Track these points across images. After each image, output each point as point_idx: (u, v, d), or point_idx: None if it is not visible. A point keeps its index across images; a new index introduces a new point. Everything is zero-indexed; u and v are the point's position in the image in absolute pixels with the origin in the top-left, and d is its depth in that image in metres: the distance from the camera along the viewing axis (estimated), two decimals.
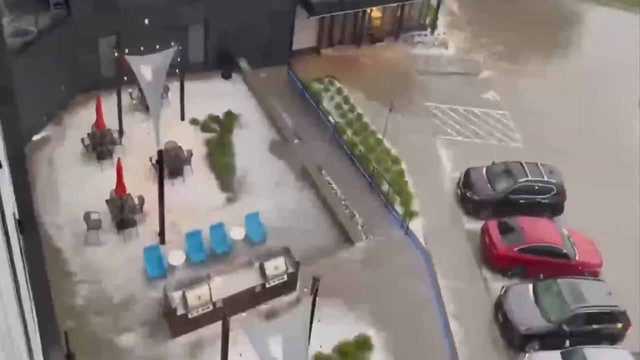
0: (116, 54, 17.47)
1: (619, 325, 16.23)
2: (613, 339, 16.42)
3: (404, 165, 20.40)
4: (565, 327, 15.97)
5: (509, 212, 18.95)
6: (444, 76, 24.98)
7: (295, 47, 24.16)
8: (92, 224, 15.65)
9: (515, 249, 17.71)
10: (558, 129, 23.15)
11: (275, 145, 19.98)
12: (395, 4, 25.55)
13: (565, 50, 28.18)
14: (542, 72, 26.23)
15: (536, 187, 19.44)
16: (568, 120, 23.70)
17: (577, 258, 17.82)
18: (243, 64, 22.53)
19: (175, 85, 19.53)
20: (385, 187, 19.34)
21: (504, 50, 26.92)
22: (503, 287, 17.06)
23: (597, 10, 30.64)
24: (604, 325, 16.22)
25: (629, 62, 27.21)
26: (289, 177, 19.03)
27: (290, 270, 15.65)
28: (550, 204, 19.52)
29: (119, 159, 16.07)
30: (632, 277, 17.88)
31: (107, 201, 16.21)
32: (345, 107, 22.46)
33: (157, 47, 16.99)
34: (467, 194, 19.59)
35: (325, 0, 22.72)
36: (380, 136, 21.28)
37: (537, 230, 18.10)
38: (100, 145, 17.63)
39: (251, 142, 19.70)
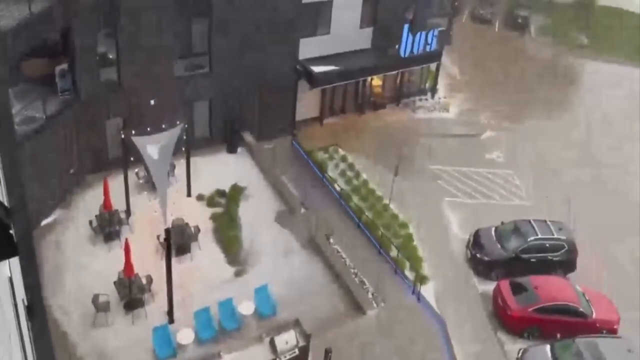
0: (123, 136, 18.14)
1: None
2: None
3: (412, 230, 20.38)
4: None
5: (521, 271, 18.65)
6: (448, 139, 25.43)
7: (298, 117, 24.95)
8: (101, 307, 15.67)
9: (530, 309, 17.28)
10: (565, 185, 23.16)
11: (281, 216, 20.17)
12: (395, 72, 26.51)
13: (565, 105, 28.69)
14: (545, 129, 26.58)
15: (547, 245, 19.22)
16: (574, 174, 23.75)
17: (593, 316, 17.32)
18: (248, 137, 23.24)
19: (181, 162, 20.11)
20: (394, 252, 19.24)
21: (505, 109, 27.47)
22: (520, 349, 16.50)
23: (593, 65, 31.44)
24: None
25: (629, 114, 27.57)
26: (297, 247, 19.07)
27: (302, 343, 15.33)
28: (562, 261, 19.21)
29: (126, 239, 16.31)
30: None
31: (115, 282, 16.31)
32: (351, 174, 22.81)
33: (163, 126, 17.70)
34: (478, 255, 19.39)
35: (327, 71, 23.62)
36: (386, 201, 21.42)
37: (551, 288, 17.75)
38: (108, 227, 17.96)
39: (257, 214, 19.95)
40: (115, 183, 18.78)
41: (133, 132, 17.62)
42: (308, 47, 23.41)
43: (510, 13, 34.83)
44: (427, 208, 21.52)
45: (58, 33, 18.86)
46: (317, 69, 23.51)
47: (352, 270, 18.39)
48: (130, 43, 19.55)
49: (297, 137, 24.22)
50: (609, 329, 17.19)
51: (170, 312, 15.90)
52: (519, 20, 34.50)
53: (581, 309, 17.33)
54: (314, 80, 23.70)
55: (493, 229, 19.96)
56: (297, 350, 15.20)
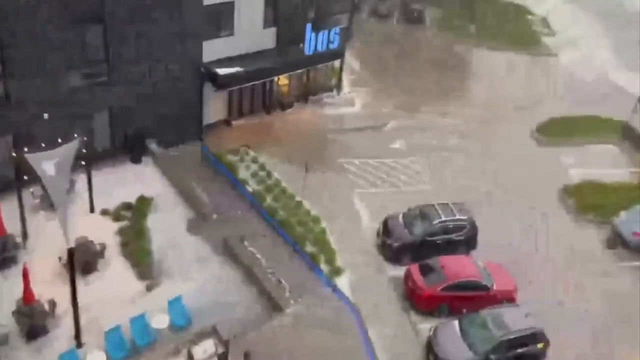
0: (14, 154, 17.06)
1: (540, 345, 16.98)
2: (537, 359, 17.08)
3: (324, 224, 20.85)
4: (492, 357, 16.48)
5: (429, 254, 19.64)
6: (354, 132, 26.20)
7: (206, 121, 24.63)
8: None
9: (439, 289, 18.32)
10: (462, 168, 24.71)
11: (193, 224, 19.90)
12: (300, 70, 26.87)
13: (461, 93, 30.53)
14: (443, 117, 28.13)
15: (450, 226, 20.40)
16: (470, 157, 25.38)
17: (494, 287, 18.66)
18: (152, 145, 22.62)
19: (82, 177, 19.23)
20: (309, 248, 19.62)
21: (406, 99, 28.76)
22: (431, 327, 17.49)
23: (481, 52, 33.69)
24: (527, 349, 16.87)
25: (520, 99, 29.88)
26: (210, 254, 18.92)
27: (220, 350, 15.31)
28: (464, 240, 20.49)
29: (24, 264, 15.40)
30: (541, 295, 18.95)
31: (13, 312, 15.33)
32: (262, 174, 22.91)
33: (60, 140, 16.85)
34: (387, 242, 20.23)
35: (232, 72, 23.46)
36: (299, 198, 21.77)
37: (456, 266, 18.88)
38: (2, 253, 16.81)
39: (167, 224, 19.54)
40: (8, 205, 17.61)
41: (25, 149, 16.64)
42: (212, 49, 23.14)
43: (407, 7, 36.41)
44: (338, 201, 22.12)
45: None
46: (221, 71, 23.32)
47: (268, 271, 18.55)
48: (16, 53, 18.30)
49: (206, 142, 23.93)
50: (509, 298, 18.58)
51: (77, 336, 15.23)
52: (415, 14, 36.17)
53: (483, 283, 18.63)
54: (219, 82, 23.49)
55: (400, 215, 20.90)
56: (216, 358, 15.16)
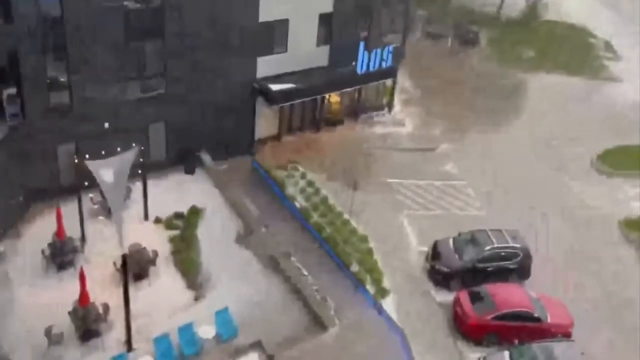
0: (76, 161, 17.77)
1: None
2: None
3: (372, 244, 20.61)
4: None
5: (479, 280, 19.10)
6: (404, 152, 25.94)
7: (257, 136, 25.01)
8: (54, 339, 15.14)
9: (488, 317, 17.69)
10: (516, 195, 23.92)
11: (241, 236, 20.08)
12: (352, 88, 26.97)
13: (516, 119, 29.74)
14: (496, 140, 27.47)
15: (502, 254, 19.75)
16: (524, 185, 24.56)
17: (548, 320, 17.85)
18: (205, 157, 23.11)
19: (137, 186, 19.81)
20: (355, 267, 19.41)
21: (458, 122, 28.28)
22: (479, 357, 16.85)
23: (544, 79, 32.77)
24: None
25: (579, 127, 28.79)
26: (257, 267, 19.00)
27: None
28: (517, 268, 19.77)
29: (81, 267, 15.91)
30: (600, 334, 18.02)
31: (69, 313, 15.82)
32: (310, 190, 22.96)
33: (118, 149, 17.48)
34: (436, 267, 19.75)
35: (284, 89, 23.79)
36: (346, 216, 21.64)
37: (507, 296, 18.22)
38: (61, 255, 17.45)
39: (216, 236, 19.79)
40: (69, 210, 18.31)
41: (87, 156, 17.32)
42: (266, 66, 23.59)
43: (461, 29, 36.06)
44: (386, 221, 21.84)
45: (4, 57, 18.40)
46: (274, 87, 23.69)
47: (313, 287, 18.44)
48: (81, 66, 19.23)
49: (256, 156, 24.26)
50: (564, 333, 17.74)
51: (128, 341, 15.53)
52: (470, 35, 35.75)
53: (536, 314, 17.86)
54: (271, 98, 23.85)
55: (451, 239, 20.42)
56: None
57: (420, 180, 24.31)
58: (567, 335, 17.67)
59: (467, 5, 38.84)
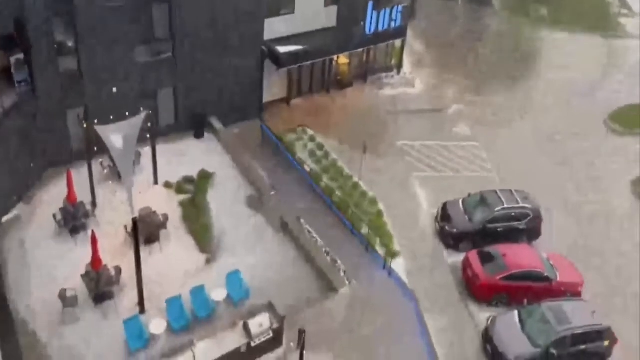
0: (85, 126, 17.76)
1: (606, 342, 16.17)
2: (601, 357, 16.31)
3: (381, 206, 20.59)
4: (553, 351, 15.87)
5: (489, 241, 19.10)
6: (414, 114, 25.57)
7: (265, 99, 24.75)
8: (68, 302, 15.49)
9: (498, 278, 17.75)
10: (528, 155, 23.60)
11: (251, 200, 20.13)
12: (360, 49, 26.42)
13: (528, 76, 29.02)
14: (509, 101, 26.93)
15: (513, 214, 19.65)
16: (537, 145, 24.20)
17: (558, 279, 17.89)
18: (215, 122, 22.98)
19: (147, 150, 19.82)
20: (365, 230, 19.46)
21: (470, 83, 27.68)
22: (489, 317, 17.00)
23: (558, 38, 31.76)
24: (591, 345, 16.15)
25: (591, 83, 28.10)
26: (268, 231, 19.10)
27: (275, 325, 15.52)
28: (527, 229, 19.68)
29: (92, 231, 16.10)
30: (612, 292, 18.00)
31: (82, 276, 16.13)
32: (320, 153, 22.83)
33: (127, 114, 17.41)
34: (446, 228, 19.74)
35: (292, 51, 23.36)
36: (356, 179, 21.56)
37: (518, 256, 18.22)
38: (73, 220, 17.64)
39: (227, 200, 19.86)
40: (79, 175, 18.42)
41: (96, 121, 17.29)
42: (273, 28, 23.07)
43: None
44: (396, 184, 21.74)
45: (11, 22, 18.17)
46: (282, 49, 23.26)
47: (323, 250, 18.56)
48: (89, 30, 18.95)
49: (265, 120, 24.07)
50: (573, 292, 17.80)
51: (141, 303, 15.85)
52: None
53: (546, 274, 17.88)
54: (279, 61, 23.44)
55: (460, 201, 20.31)
56: (271, 333, 15.39)
57: (430, 141, 24.03)
58: (576, 294, 17.72)
59: None
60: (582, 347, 16.11)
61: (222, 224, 18.92)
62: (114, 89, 19.69)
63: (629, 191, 22.29)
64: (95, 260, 15.69)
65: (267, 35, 23.13)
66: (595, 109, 26.28)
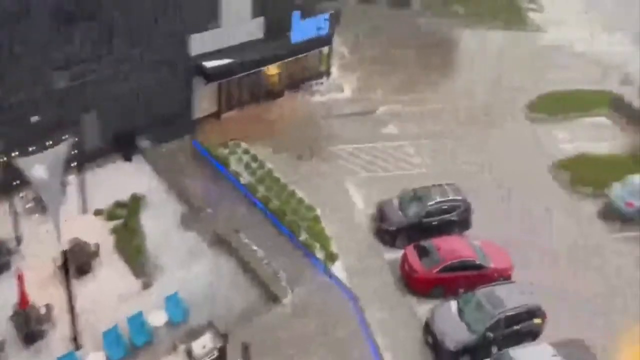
0: (4, 159, 17.03)
1: (537, 320, 17.04)
2: (534, 334, 17.17)
3: (319, 211, 20.85)
4: (489, 334, 16.56)
5: (424, 235, 19.67)
6: (345, 118, 26.06)
7: (196, 115, 24.54)
8: None
9: (435, 270, 18.37)
10: (455, 149, 24.52)
11: (186, 219, 19.91)
12: (289, 59, 26.66)
13: (451, 75, 30.20)
14: (434, 98, 27.89)
15: (445, 207, 20.38)
16: (462, 138, 25.21)
17: (491, 266, 18.70)
18: (144, 142, 22.55)
19: (74, 178, 19.21)
20: (304, 236, 19.65)
21: (396, 83, 28.49)
22: (429, 309, 17.54)
23: (475, 34, 33.24)
24: (524, 324, 16.96)
25: (508, 78, 29.54)
26: (205, 248, 18.96)
27: (219, 344, 15.40)
28: (459, 220, 20.48)
29: (18, 268, 15.43)
30: (538, 272, 19.03)
31: (10, 317, 15.40)
32: (254, 165, 22.86)
33: (50, 142, 16.81)
34: (383, 226, 20.25)
35: (221, 65, 23.28)
36: (292, 187, 21.75)
37: (452, 247, 18.90)
38: None
39: (160, 221, 19.55)
40: (1, 211, 17.62)
41: (16, 153, 16.61)
42: (200, 42, 22.92)
43: None
44: (331, 188, 22.08)
45: None
46: (210, 63, 23.18)
47: (263, 261, 18.60)
48: (3, 55, 18.13)
49: (197, 136, 23.86)
50: (505, 276, 18.65)
51: (75, 339, 15.30)
52: None
53: (479, 262, 18.65)
54: (208, 75, 23.36)
55: (395, 199, 20.88)
56: (216, 352, 15.26)
57: (362, 144, 24.55)
58: (507, 278, 18.57)
59: None
60: (516, 327, 16.89)
61: (156, 246, 18.59)
62: (34, 118, 18.95)
63: (549, 175, 23.59)
64: (23, 299, 15.03)
65: (195, 50, 22.98)
66: (516, 99, 27.70)
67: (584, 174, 23.05)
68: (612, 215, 21.65)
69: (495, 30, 33.43)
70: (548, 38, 33.32)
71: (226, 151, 23.39)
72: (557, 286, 18.79)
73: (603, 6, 35.93)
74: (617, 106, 26.96)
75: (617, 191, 21.82)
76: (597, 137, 25.45)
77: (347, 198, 21.87)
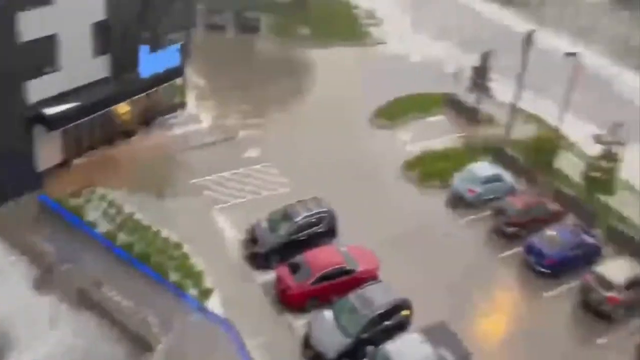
0: None
1: (404, 313, 18.17)
2: (404, 326, 18.21)
3: (187, 248, 20.37)
4: (364, 335, 17.27)
5: (297, 252, 20.01)
6: (204, 149, 25.82)
7: (42, 167, 22.76)
8: None
9: (308, 283, 18.79)
10: (314, 163, 25.30)
11: (40, 282, 18.30)
12: (140, 95, 25.82)
13: (303, 93, 31.33)
14: (287, 117, 28.72)
15: (312, 220, 20.98)
16: (320, 152, 26.12)
17: (360, 269, 19.56)
18: None
19: None
20: (174, 276, 19.03)
21: (251, 107, 28.94)
22: (304, 324, 17.86)
23: (322, 53, 34.89)
24: (395, 318, 17.95)
25: (356, 90, 31.34)
26: (65, 309, 17.55)
27: None
28: (326, 231, 21.19)
29: None
30: (401, 265, 20.34)
31: None
32: (112, 211, 21.72)
33: None
34: (254, 250, 20.32)
35: (64, 109, 21.84)
36: (156, 227, 21.00)
37: (321, 258, 19.44)
38: None
39: (11, 290, 17.76)
40: None
41: None
42: (39, 88, 21.34)
43: (241, 17, 36.65)
44: (199, 221, 21.69)
45: None
46: (51, 110, 21.67)
47: (131, 311, 17.67)
48: None
49: (46, 189, 22.11)
50: (373, 277, 19.59)
51: None
52: (252, 23, 36.58)
53: (348, 267, 19.42)
54: (49, 123, 21.80)
55: (264, 221, 21.07)
56: None
57: (226, 171, 24.51)
58: (375, 278, 19.54)
59: None
60: (387, 323, 17.82)
61: (8, 319, 16.82)
62: None
63: (400, 175, 25.35)
64: None
65: (34, 97, 21.32)
66: (363, 109, 29.45)
67: (430, 169, 25.18)
68: (457, 202, 23.86)
69: (339, 47, 35.48)
70: (388, 50, 36.11)
71: (80, 200, 21.98)
72: (420, 275, 20.21)
73: (433, 18, 39.88)
74: (451, 105, 29.90)
75: (458, 181, 24.11)
76: (437, 134, 27.95)
77: (216, 228, 21.63)
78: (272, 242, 20.33)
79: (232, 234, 21.47)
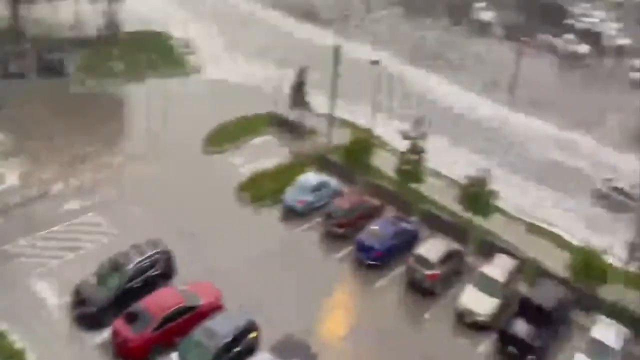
0: None
1: (252, 335, 18.16)
2: (253, 348, 18.16)
3: (5, 326, 18.02)
4: None
5: (133, 301, 18.81)
6: (13, 210, 23.22)
7: None
8: None
9: (149, 330, 17.81)
10: (144, 202, 24.20)
11: None
12: None
13: (120, 131, 29.98)
14: (109, 160, 27.06)
15: (146, 264, 19.93)
16: (151, 187, 25.05)
17: (202, 303, 19.05)
18: None
19: None
20: None
21: (67, 155, 26.78)
22: None
23: (139, 88, 33.55)
24: (244, 343, 17.81)
25: (182, 122, 30.64)
26: None
27: None
28: (162, 272, 20.30)
29: None
30: (244, 289, 20.32)
31: None
32: None
33: None
34: (84, 311, 18.71)
35: None
36: None
37: (159, 302, 18.54)
38: None
39: None
40: None
41: None
42: None
43: (43, 59, 33.75)
44: (14, 293, 19.39)
45: None
46: None
47: None
48: None
49: None
50: (217, 307, 19.22)
51: None
52: (55, 64, 33.86)
53: (189, 305, 18.79)
54: None
55: (92, 276, 19.50)
56: None
57: (43, 230, 22.30)
58: (219, 308, 19.19)
59: (44, 35, 36.48)
60: (237, 349, 17.61)
61: None
62: None
63: (233, 199, 25.39)
64: None
65: None
66: (191, 138, 29.02)
67: (262, 188, 25.62)
68: (290, 215, 24.64)
69: (157, 78, 34.58)
70: (207, 76, 36.10)
71: None
72: (266, 292, 20.39)
73: (246, 41, 40.83)
74: (276, 123, 30.90)
75: (289, 194, 24.94)
76: (267, 153, 28.61)
77: (36, 296, 19.51)
78: (102, 297, 18.86)
79: (55, 300, 19.48)
